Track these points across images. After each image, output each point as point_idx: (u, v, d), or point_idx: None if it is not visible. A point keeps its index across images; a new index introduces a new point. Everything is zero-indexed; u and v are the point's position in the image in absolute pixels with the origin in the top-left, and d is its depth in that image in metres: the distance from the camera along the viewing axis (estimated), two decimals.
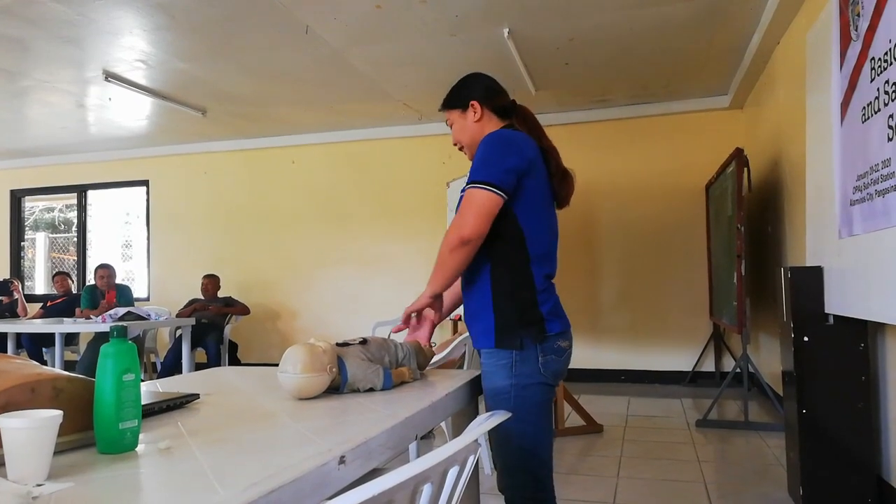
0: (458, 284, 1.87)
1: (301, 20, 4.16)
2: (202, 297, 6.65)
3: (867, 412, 2.73)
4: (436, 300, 1.76)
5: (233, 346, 6.86)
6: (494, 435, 1.69)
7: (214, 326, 6.46)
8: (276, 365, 1.52)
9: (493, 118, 1.82)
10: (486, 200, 1.60)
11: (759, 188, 5.24)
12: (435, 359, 3.19)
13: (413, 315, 1.81)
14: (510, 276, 1.68)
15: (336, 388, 1.54)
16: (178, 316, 6.38)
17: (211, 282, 6.69)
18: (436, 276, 1.70)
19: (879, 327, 2.84)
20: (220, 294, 6.77)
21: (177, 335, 6.34)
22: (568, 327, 1.75)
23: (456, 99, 1.84)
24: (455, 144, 1.89)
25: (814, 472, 2.75)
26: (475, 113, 1.81)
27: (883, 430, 2.84)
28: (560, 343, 1.70)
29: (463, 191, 1.68)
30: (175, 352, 6.13)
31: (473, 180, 1.62)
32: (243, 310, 6.69)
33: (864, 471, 2.71)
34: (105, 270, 6.27)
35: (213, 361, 6.25)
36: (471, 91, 1.83)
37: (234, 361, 6.81)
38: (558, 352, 1.70)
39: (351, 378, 1.55)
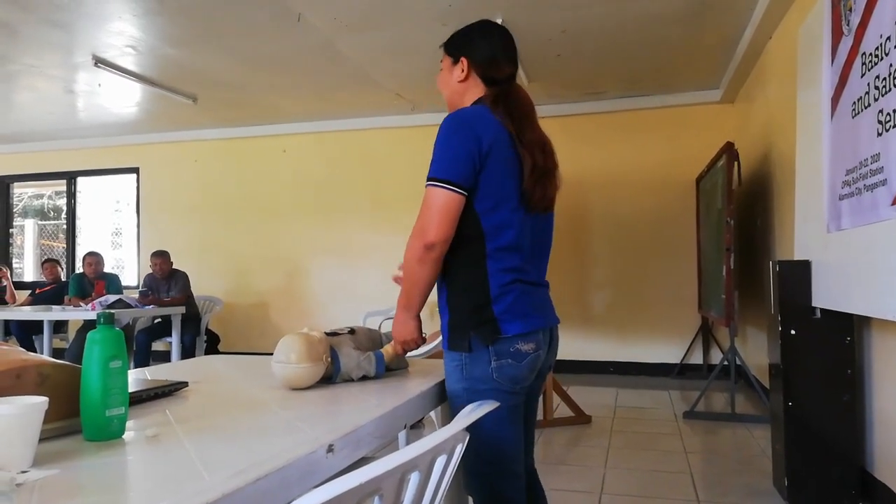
0: None
1: (293, 7, 4.13)
2: (156, 278, 6.14)
3: (852, 405, 2.76)
4: (419, 322, 1.62)
5: (213, 338, 6.52)
6: None
7: (188, 317, 6.03)
8: (264, 355, 1.51)
9: (478, 84, 1.65)
10: (449, 201, 1.47)
11: (749, 182, 5.27)
12: (425, 349, 3.20)
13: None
14: (463, 273, 1.54)
15: (328, 377, 1.53)
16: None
17: (161, 261, 6.09)
18: (410, 294, 1.55)
19: (865, 321, 2.87)
20: (174, 272, 6.18)
21: (136, 329, 6.05)
22: (536, 328, 1.54)
23: (453, 45, 1.69)
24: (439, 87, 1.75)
25: (798, 463, 2.78)
26: (462, 72, 1.65)
27: (867, 423, 2.87)
28: (520, 346, 1.51)
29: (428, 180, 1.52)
30: (142, 344, 5.87)
31: (432, 176, 1.49)
32: (177, 300, 6.04)
33: (848, 463, 2.74)
34: (93, 258, 6.22)
35: (188, 355, 5.89)
36: (469, 47, 1.66)
37: (214, 354, 6.66)
38: (516, 356, 1.51)
39: (344, 368, 1.54)
